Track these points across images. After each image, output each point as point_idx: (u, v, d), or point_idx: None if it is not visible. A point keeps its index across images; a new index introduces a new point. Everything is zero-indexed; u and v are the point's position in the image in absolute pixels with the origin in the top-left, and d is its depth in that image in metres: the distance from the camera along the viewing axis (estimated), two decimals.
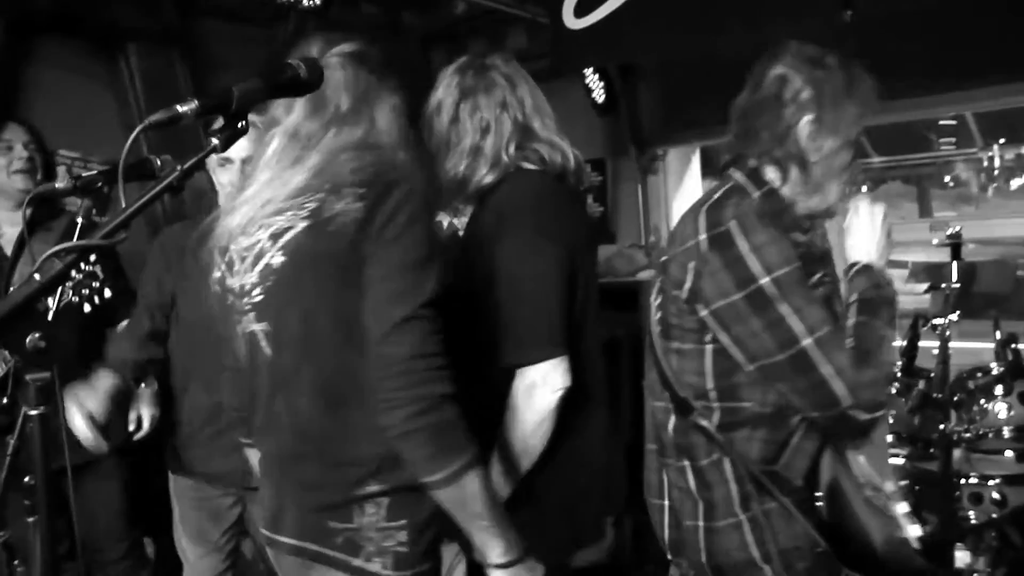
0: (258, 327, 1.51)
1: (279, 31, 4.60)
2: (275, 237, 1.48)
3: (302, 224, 1.45)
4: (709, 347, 1.63)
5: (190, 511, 2.55)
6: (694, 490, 1.71)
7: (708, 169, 5.63)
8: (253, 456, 1.76)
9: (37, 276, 0.99)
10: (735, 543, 1.66)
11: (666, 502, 1.80)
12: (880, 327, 1.61)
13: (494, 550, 1.43)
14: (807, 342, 1.52)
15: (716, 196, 1.66)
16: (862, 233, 1.72)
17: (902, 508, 1.83)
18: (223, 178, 2.24)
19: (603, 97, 5.14)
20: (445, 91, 1.91)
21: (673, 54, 4.63)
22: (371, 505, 1.45)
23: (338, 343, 1.44)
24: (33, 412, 1.02)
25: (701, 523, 1.70)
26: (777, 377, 1.57)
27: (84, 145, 4.06)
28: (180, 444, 2.54)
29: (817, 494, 1.76)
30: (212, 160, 2.19)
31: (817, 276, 1.67)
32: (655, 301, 1.74)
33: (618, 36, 3.94)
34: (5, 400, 2.45)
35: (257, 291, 1.51)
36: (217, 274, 1.60)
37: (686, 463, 1.71)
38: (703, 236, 1.59)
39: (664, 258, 1.71)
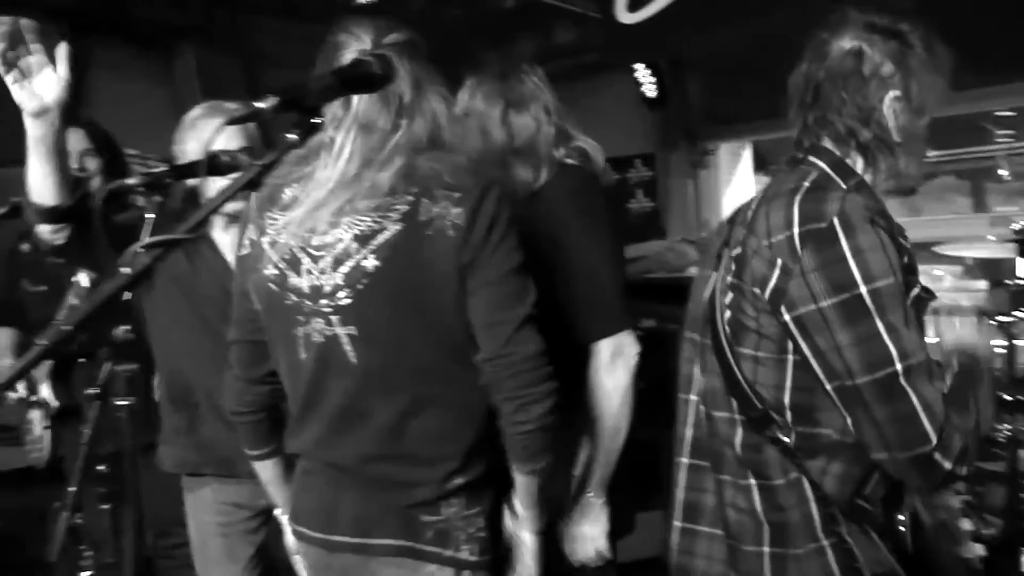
0: (342, 330, 1.47)
1: (331, 27, 4.67)
2: (364, 239, 1.44)
3: (394, 227, 1.43)
4: (791, 358, 1.44)
5: (212, 538, 2.31)
6: (760, 512, 1.50)
7: (760, 164, 5.57)
8: (267, 469, 1.73)
9: (126, 269, 1.01)
10: (816, 570, 1.47)
11: (718, 531, 1.58)
12: (971, 396, 1.44)
13: (533, 523, 1.63)
14: (899, 367, 1.32)
15: (807, 185, 1.44)
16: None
17: (964, 525, 1.73)
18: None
19: (653, 91, 5.11)
20: (486, 99, 2.01)
21: (727, 47, 4.59)
22: (455, 497, 1.52)
23: (431, 345, 1.49)
24: (122, 402, 1.03)
25: (767, 548, 1.50)
26: (854, 402, 1.37)
27: (141, 143, 4.13)
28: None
29: (900, 518, 1.56)
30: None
31: (916, 290, 1.45)
32: (723, 298, 1.51)
33: (672, 29, 3.92)
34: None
35: (343, 294, 1.46)
36: (271, 271, 1.53)
37: (752, 481, 1.51)
38: (797, 230, 1.38)
39: (738, 251, 1.49)
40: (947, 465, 1.33)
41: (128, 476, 1.02)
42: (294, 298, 1.50)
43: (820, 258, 1.36)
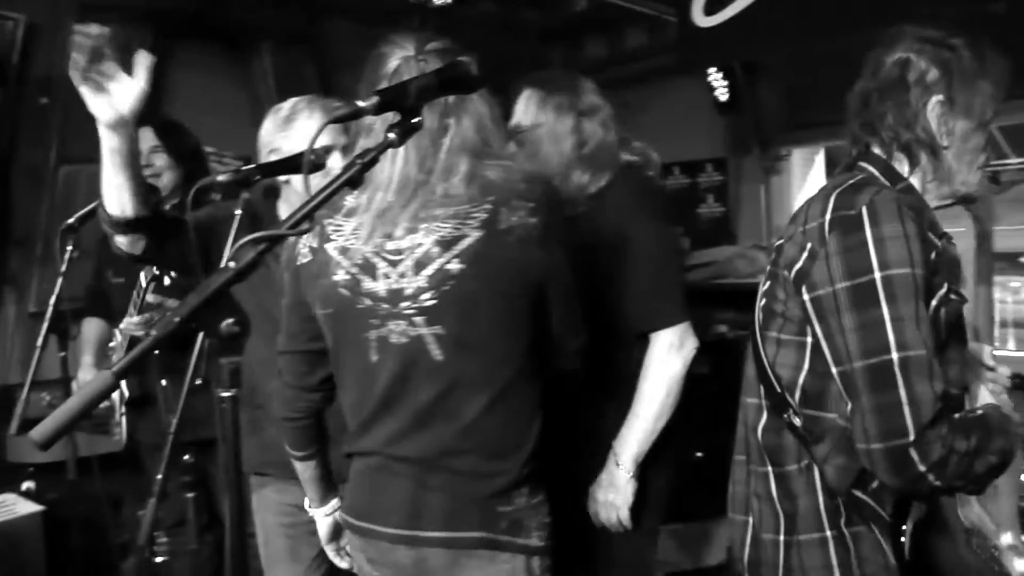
0: (428, 331, 1.51)
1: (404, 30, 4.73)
2: (446, 244, 1.49)
3: (475, 234, 1.48)
4: (809, 340, 1.48)
5: (276, 538, 2.30)
6: (776, 500, 1.54)
7: (833, 170, 5.46)
8: (310, 469, 1.82)
9: (232, 264, 1.03)
10: (817, 561, 1.50)
11: (750, 518, 1.62)
12: (991, 441, 1.36)
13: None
14: (894, 356, 1.32)
15: (850, 182, 1.49)
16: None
17: (1020, 567, 1.64)
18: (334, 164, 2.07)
19: (726, 95, 5.05)
20: (557, 110, 2.14)
21: (802, 51, 4.51)
22: (525, 486, 1.59)
23: (510, 343, 1.56)
24: (226, 394, 1.06)
25: (782, 537, 1.54)
26: (850, 388, 1.38)
27: (219, 141, 4.23)
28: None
29: (903, 527, 1.53)
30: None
31: (943, 291, 1.46)
32: (762, 287, 1.58)
33: (748, 33, 3.87)
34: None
35: (427, 295, 1.50)
36: (342, 277, 1.56)
37: (769, 468, 1.56)
38: (828, 216, 1.43)
39: (780, 240, 1.54)
40: (921, 467, 1.30)
41: (230, 466, 1.04)
42: (368, 302, 1.54)
43: (843, 242, 1.39)
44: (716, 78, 5.05)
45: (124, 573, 3.19)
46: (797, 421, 1.49)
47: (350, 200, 1.56)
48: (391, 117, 1.23)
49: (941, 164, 1.53)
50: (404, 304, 1.52)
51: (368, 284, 1.53)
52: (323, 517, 1.90)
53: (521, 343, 1.57)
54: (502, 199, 1.50)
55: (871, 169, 1.54)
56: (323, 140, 2.03)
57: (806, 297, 1.44)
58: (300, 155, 1.88)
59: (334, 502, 1.88)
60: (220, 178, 1.84)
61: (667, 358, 2.05)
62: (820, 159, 5.49)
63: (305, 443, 1.79)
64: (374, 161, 1.16)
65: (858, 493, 1.49)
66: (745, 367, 1.66)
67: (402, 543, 1.58)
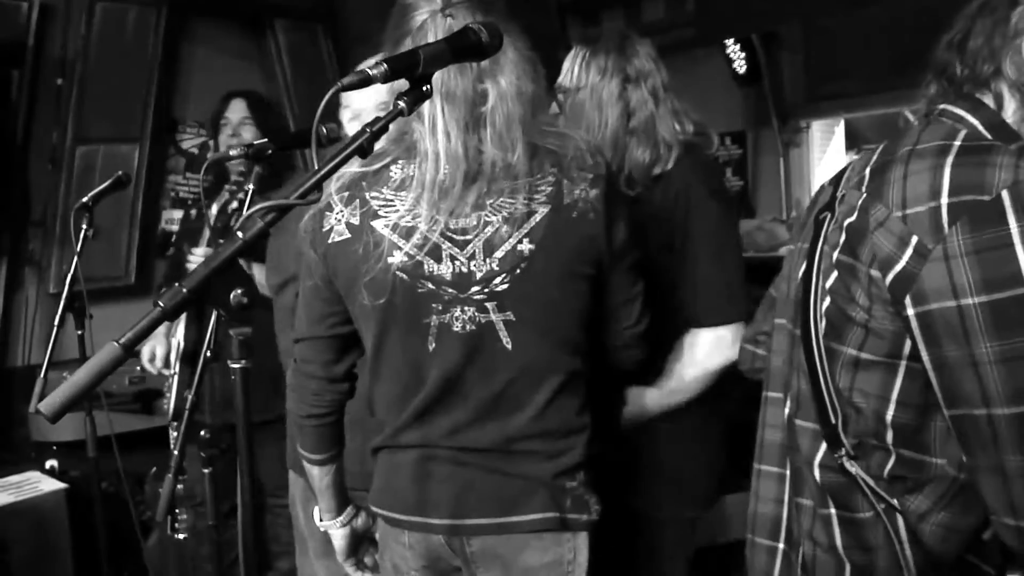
0: (499, 317, 1.43)
1: None
2: (515, 222, 1.40)
3: (543, 209, 1.41)
4: (903, 364, 1.14)
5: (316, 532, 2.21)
6: (840, 548, 1.24)
7: (852, 142, 5.40)
8: (328, 474, 1.66)
9: (240, 234, 1.02)
10: None
11: (780, 545, 1.39)
12: None
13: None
14: None
15: (959, 144, 1.11)
16: None
17: None
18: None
19: (744, 67, 4.99)
20: (601, 72, 1.91)
21: (822, 22, 4.45)
22: (586, 464, 1.53)
23: (576, 324, 1.49)
24: (237, 365, 1.05)
25: None
26: (982, 440, 1.05)
27: None
28: None
29: None
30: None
31: None
32: (824, 279, 1.23)
33: (767, 5, 3.81)
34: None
35: (500, 279, 1.42)
36: (398, 259, 1.44)
37: (833, 511, 1.24)
38: (946, 200, 1.06)
39: (852, 219, 1.17)
40: None
41: (243, 438, 1.03)
42: (430, 286, 1.43)
43: (976, 240, 1.03)
44: (734, 50, 4.98)
45: (146, 550, 3.22)
46: (852, 467, 1.20)
47: (396, 171, 1.45)
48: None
49: None
50: (474, 289, 1.42)
51: (431, 266, 1.43)
52: (339, 528, 1.74)
53: (584, 321, 1.50)
54: (564, 171, 1.42)
55: (971, 119, 1.16)
56: (384, 97, 1.84)
57: (911, 311, 1.08)
58: (307, 129, 1.87)
59: (349, 510, 1.74)
60: (233, 152, 1.83)
61: (716, 352, 1.86)
62: (840, 132, 5.42)
63: (328, 444, 1.64)
64: (384, 129, 1.14)
65: (972, 559, 1.18)
66: (770, 356, 1.43)
67: (470, 533, 1.50)
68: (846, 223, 1.19)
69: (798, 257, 1.36)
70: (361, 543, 1.78)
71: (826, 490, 1.24)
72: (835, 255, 1.20)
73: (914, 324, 1.09)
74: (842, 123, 5.40)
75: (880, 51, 4.15)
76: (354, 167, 1.44)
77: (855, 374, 1.18)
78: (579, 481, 1.52)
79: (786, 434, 1.35)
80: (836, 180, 1.34)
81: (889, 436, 1.16)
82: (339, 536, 1.75)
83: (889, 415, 1.16)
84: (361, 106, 1.91)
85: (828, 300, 1.20)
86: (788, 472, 1.37)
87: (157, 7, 4.05)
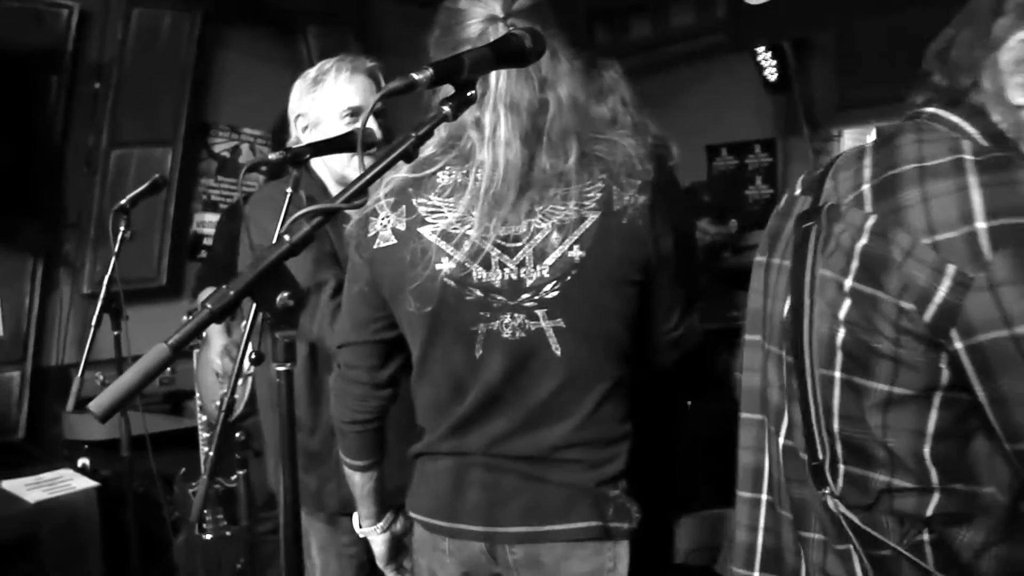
0: (548, 324, 1.42)
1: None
2: (565, 229, 1.40)
3: (593, 216, 1.41)
4: (939, 395, 1.08)
5: (333, 559, 2.17)
6: None
7: None
8: (369, 481, 1.66)
9: (287, 237, 1.03)
10: None
11: (755, 574, 1.32)
12: None
13: None
14: None
15: (973, 157, 1.06)
16: None
17: None
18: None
19: (775, 75, 4.97)
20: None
21: (853, 29, 4.42)
22: (626, 472, 1.53)
23: (626, 331, 1.49)
24: (281, 368, 1.06)
25: None
26: None
27: (265, 123, 4.27)
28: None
29: None
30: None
31: None
32: (834, 309, 1.13)
33: (797, 11, 3.80)
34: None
35: (550, 287, 1.41)
36: (446, 265, 1.43)
37: (852, 546, 1.15)
38: (985, 224, 1.00)
39: (863, 243, 1.10)
40: None
41: (285, 443, 1.04)
42: (479, 293, 1.43)
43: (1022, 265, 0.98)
44: (765, 57, 4.96)
45: (175, 549, 3.25)
46: (834, 505, 1.15)
47: (444, 177, 1.45)
48: (493, 85, 1.26)
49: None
50: (524, 296, 1.42)
51: (480, 274, 1.42)
52: (379, 534, 1.75)
53: (632, 327, 1.49)
54: (613, 177, 1.43)
55: (965, 126, 1.13)
56: (355, 100, 1.99)
57: (960, 345, 1.02)
58: (351, 133, 1.88)
59: (388, 516, 1.75)
60: (271, 156, 1.84)
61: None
62: (871, 140, 5.37)
63: (371, 450, 1.64)
64: (429, 134, 1.15)
65: None
66: (743, 375, 1.36)
67: (513, 541, 1.50)
68: (858, 247, 1.10)
69: (777, 275, 1.27)
70: (400, 548, 1.79)
71: (843, 523, 1.15)
72: (847, 283, 1.11)
73: (964, 358, 1.03)
74: (873, 131, 5.33)
75: (911, 58, 4.10)
76: (403, 172, 1.45)
77: (886, 412, 1.10)
78: (621, 489, 1.52)
79: (781, 463, 1.27)
80: (812, 188, 1.26)
81: (934, 475, 1.08)
82: (379, 542, 1.77)
83: (927, 450, 1.08)
84: (318, 114, 2.01)
85: (844, 331, 1.12)
86: (763, 497, 1.32)
87: (191, 14, 4.10)
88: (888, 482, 1.11)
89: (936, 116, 1.16)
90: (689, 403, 2.83)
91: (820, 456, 1.16)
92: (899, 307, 1.06)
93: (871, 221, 1.09)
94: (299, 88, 2.05)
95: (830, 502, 1.14)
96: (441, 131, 1.37)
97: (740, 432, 1.36)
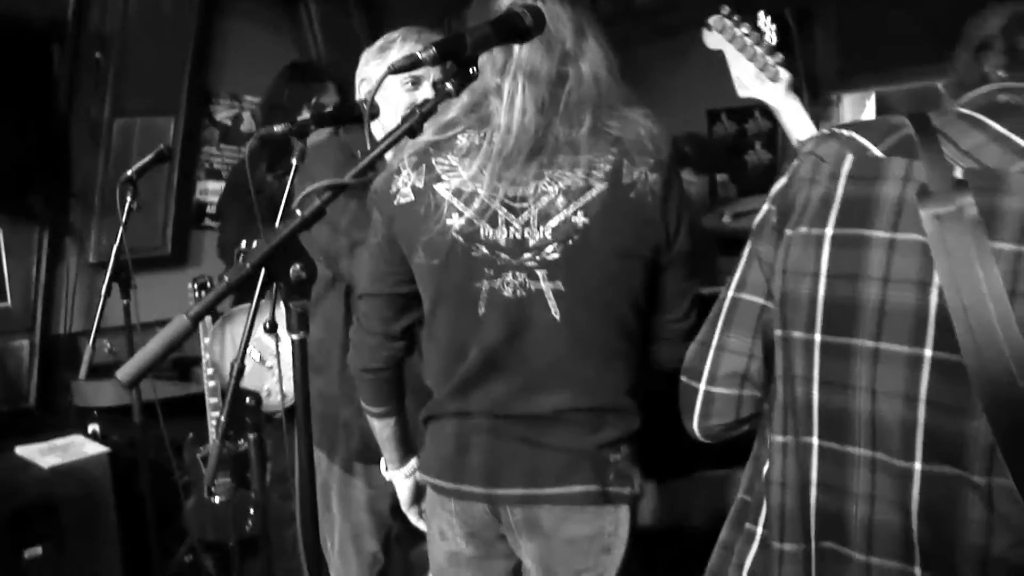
0: (548, 285, 1.46)
1: None
2: (571, 195, 1.44)
3: (600, 186, 1.45)
4: None
5: (359, 512, 2.24)
6: None
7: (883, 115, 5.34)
8: (388, 427, 1.74)
9: (299, 212, 1.08)
10: None
11: None
12: None
13: None
14: None
15: None
16: None
17: None
18: (418, 96, 1.97)
19: (775, 41, 4.95)
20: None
21: None
22: (630, 439, 1.57)
23: (626, 302, 1.52)
24: (295, 337, 1.10)
25: None
26: None
27: (263, 90, 4.27)
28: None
29: None
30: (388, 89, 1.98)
31: None
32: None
33: None
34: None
35: (552, 248, 1.46)
36: (456, 221, 1.49)
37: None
38: None
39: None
40: None
41: (300, 412, 1.09)
42: (484, 251, 1.48)
43: None
44: (765, 22, 4.95)
45: (185, 513, 3.33)
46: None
47: (462, 139, 1.49)
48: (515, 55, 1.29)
49: None
50: (527, 255, 1.47)
51: (487, 231, 1.48)
52: (403, 479, 1.83)
53: (632, 301, 1.52)
54: (625, 152, 1.46)
55: None
56: (418, 69, 1.93)
57: None
58: (355, 105, 1.91)
59: (413, 462, 1.80)
60: (277, 128, 1.87)
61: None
62: (871, 104, 5.36)
63: (386, 397, 1.72)
64: (433, 111, 1.19)
65: None
66: (782, 385, 1.16)
67: (513, 503, 1.54)
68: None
69: (889, 252, 1.07)
70: (423, 493, 1.82)
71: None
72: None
73: None
74: (873, 96, 5.34)
75: (912, 24, 4.13)
76: (427, 135, 1.49)
77: None
78: (623, 455, 1.55)
79: (864, 499, 1.09)
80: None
81: None
82: (404, 486, 1.84)
83: None
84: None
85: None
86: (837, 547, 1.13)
87: None
88: None
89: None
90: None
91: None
92: None
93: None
94: (366, 55, 2.08)
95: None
96: (464, 97, 1.40)
97: (773, 459, 1.17)
